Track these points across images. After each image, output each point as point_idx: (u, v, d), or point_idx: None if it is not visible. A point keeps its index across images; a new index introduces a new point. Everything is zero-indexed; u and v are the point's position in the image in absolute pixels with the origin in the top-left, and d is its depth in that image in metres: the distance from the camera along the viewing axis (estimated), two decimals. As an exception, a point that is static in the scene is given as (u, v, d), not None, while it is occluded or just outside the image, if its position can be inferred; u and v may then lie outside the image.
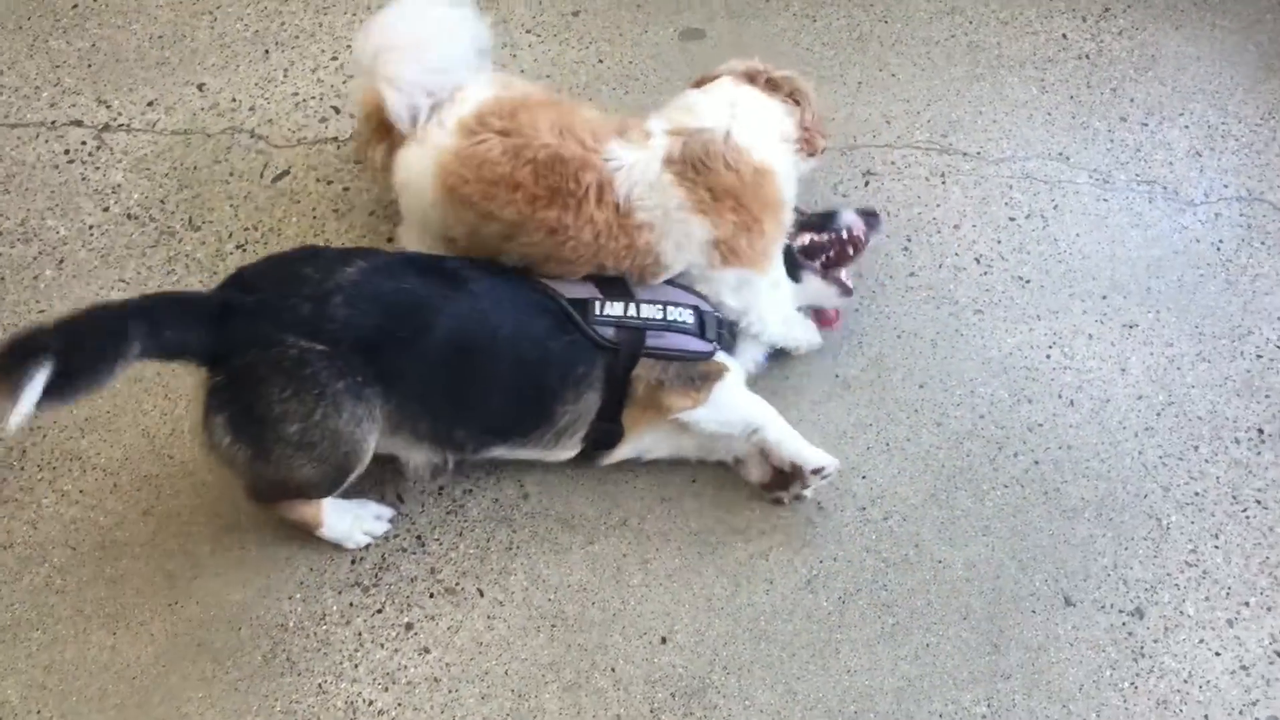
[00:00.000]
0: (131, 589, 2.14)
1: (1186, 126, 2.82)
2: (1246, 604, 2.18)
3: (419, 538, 2.22)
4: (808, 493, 2.22)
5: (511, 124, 2.14)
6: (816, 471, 2.15)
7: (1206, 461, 2.34)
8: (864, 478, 2.31)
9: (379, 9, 2.87)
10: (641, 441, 2.22)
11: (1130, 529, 2.26)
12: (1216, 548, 2.24)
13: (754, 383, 2.33)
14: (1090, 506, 2.28)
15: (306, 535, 2.17)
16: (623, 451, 2.23)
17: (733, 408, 2.17)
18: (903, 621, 2.15)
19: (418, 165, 2.20)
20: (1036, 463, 2.33)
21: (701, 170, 2.10)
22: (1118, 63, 2.93)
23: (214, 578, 2.16)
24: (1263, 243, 2.64)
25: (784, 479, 2.21)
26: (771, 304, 2.28)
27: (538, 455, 2.20)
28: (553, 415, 2.11)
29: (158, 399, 2.34)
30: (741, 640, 2.11)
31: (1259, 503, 2.30)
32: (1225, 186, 2.72)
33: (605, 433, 2.18)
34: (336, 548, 2.18)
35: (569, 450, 2.20)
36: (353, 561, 2.18)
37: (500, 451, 2.18)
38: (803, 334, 2.39)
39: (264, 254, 2.51)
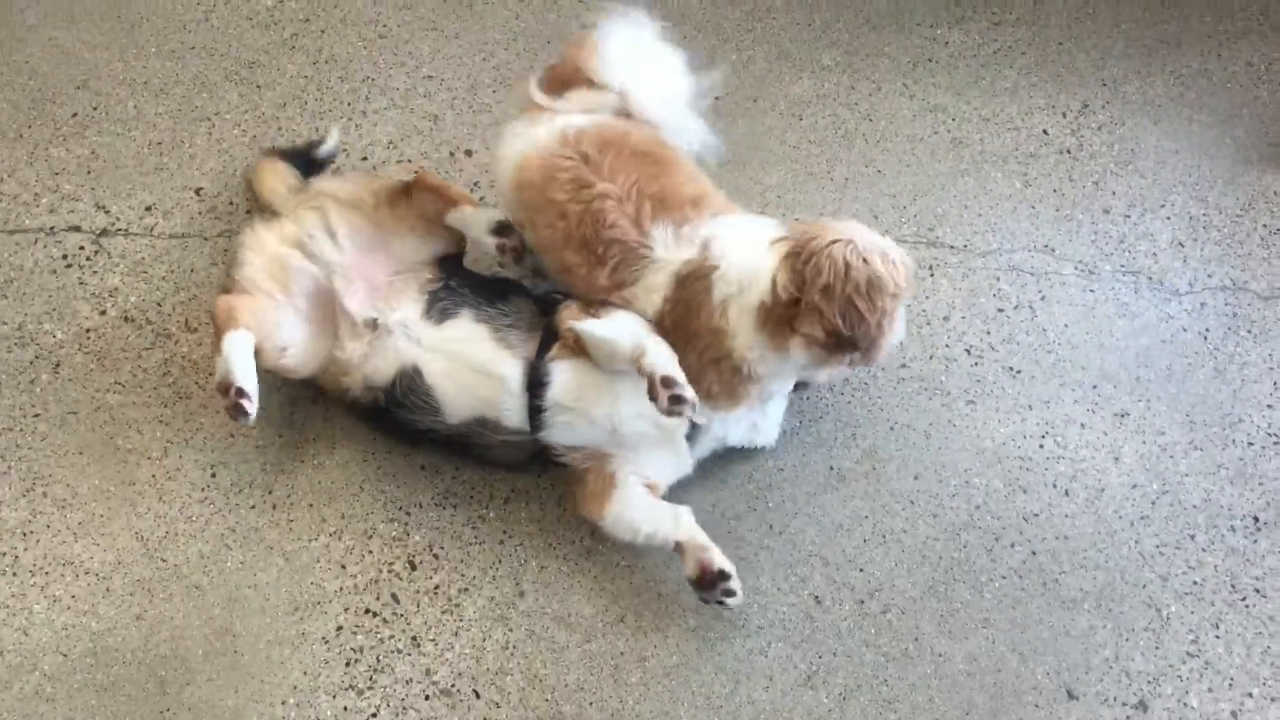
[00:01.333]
0: (123, 696, 2.11)
1: (1169, 218, 2.87)
2: (1250, 694, 2.16)
3: (414, 638, 2.19)
4: (731, 602, 2.17)
5: (598, 157, 2.23)
6: (676, 396, 2.04)
7: (1204, 550, 2.34)
8: (861, 570, 2.30)
9: (374, 114, 2.96)
10: (569, 386, 2.19)
11: (1130, 620, 2.24)
12: (1217, 638, 2.23)
13: (743, 476, 2.34)
14: (1089, 597, 2.27)
15: (300, 638, 2.15)
16: (556, 394, 2.19)
17: (624, 324, 2.15)
18: (905, 717, 2.12)
19: (514, 145, 2.35)
20: (1034, 553, 2.33)
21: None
22: (1098, 157, 2.99)
23: (206, 683, 2.13)
24: (1249, 331, 2.67)
25: (710, 580, 2.16)
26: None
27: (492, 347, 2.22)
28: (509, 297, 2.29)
29: (151, 501, 2.33)
30: (742, 739, 2.08)
31: (1258, 591, 2.29)
32: (1209, 276, 2.77)
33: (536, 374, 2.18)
34: (329, 649, 2.16)
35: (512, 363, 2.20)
36: (347, 664, 2.16)
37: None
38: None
39: (260, 354, 2.52)
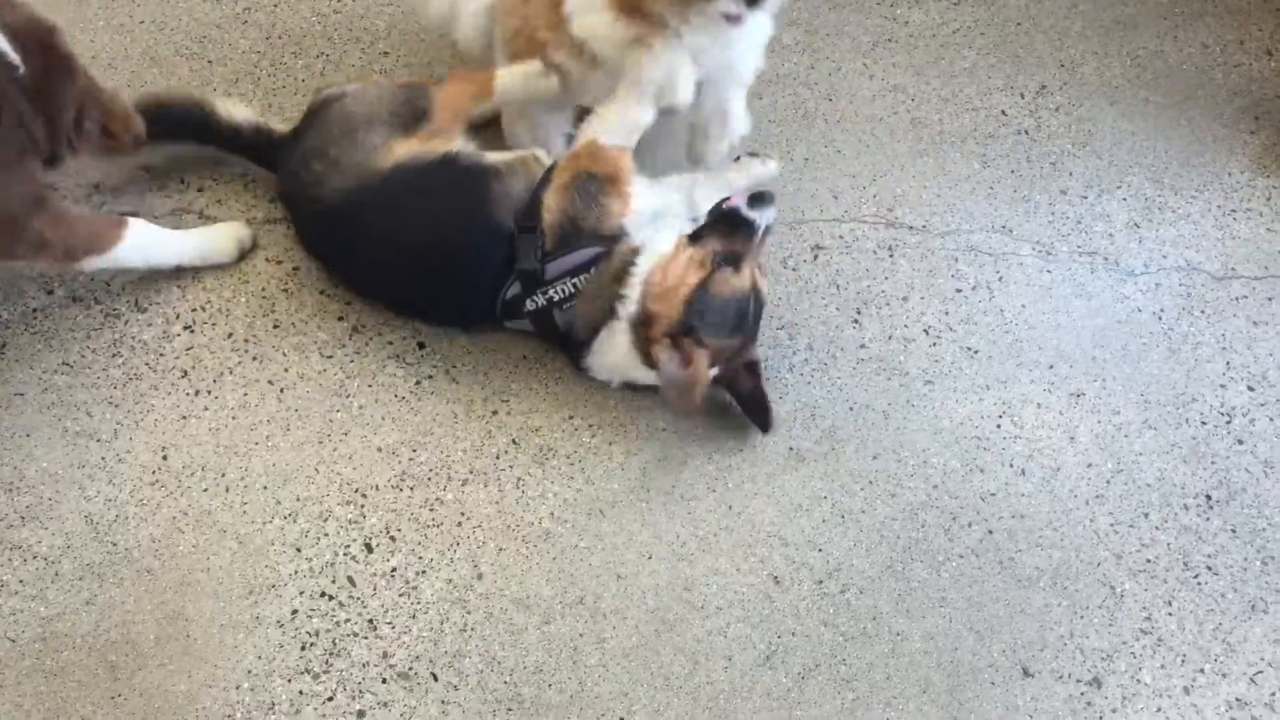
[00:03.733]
0: (73, 682, 2.07)
1: (1125, 199, 2.89)
2: (1201, 670, 2.19)
3: (371, 621, 2.17)
4: None
5: None
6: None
7: (1157, 529, 2.37)
8: (820, 550, 2.30)
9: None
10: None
11: (1085, 597, 2.27)
12: (1170, 615, 2.26)
13: (702, 458, 2.34)
14: (1045, 575, 2.29)
15: (254, 622, 2.12)
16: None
17: None
18: (863, 696, 2.13)
19: None
20: (990, 532, 2.34)
21: None
22: (1056, 138, 3.00)
23: (158, 669, 2.10)
24: (1202, 311, 2.69)
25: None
26: None
27: None
28: None
29: (101, 484, 2.29)
30: (701, 720, 2.08)
31: (1209, 569, 2.32)
32: (1164, 257, 2.79)
33: None
34: (284, 633, 2.13)
35: None
36: (302, 648, 2.14)
37: None
38: None
39: (213, 335, 2.49)
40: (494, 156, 2.45)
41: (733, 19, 2.19)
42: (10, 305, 2.50)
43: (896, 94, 3.06)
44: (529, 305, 2.35)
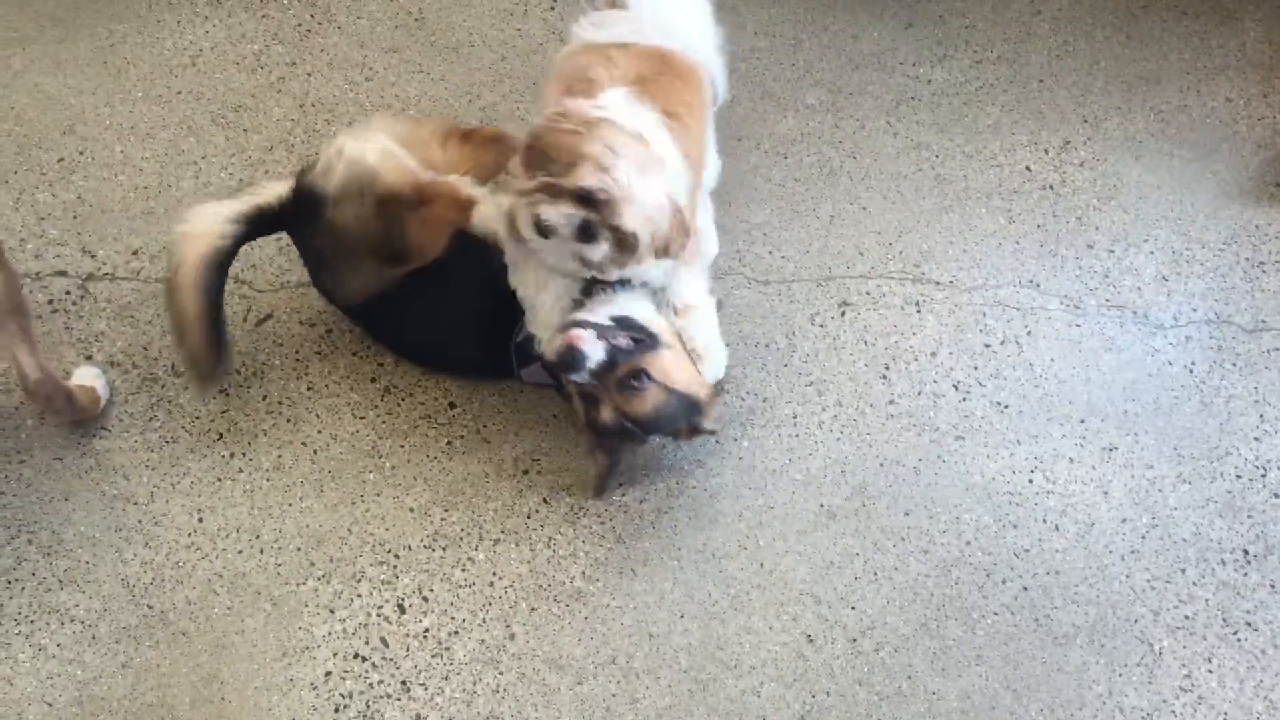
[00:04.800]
0: (108, 745, 2.09)
1: (1152, 252, 2.89)
2: (1245, 729, 2.16)
3: (404, 683, 2.18)
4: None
5: (614, 54, 2.26)
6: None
7: (1194, 584, 2.34)
8: (853, 608, 2.29)
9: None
10: None
11: (1123, 655, 2.24)
12: (1210, 672, 2.23)
13: (733, 516, 2.34)
14: (1082, 633, 2.26)
15: (289, 684, 2.13)
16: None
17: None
18: (899, 757, 2.11)
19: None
20: (1025, 589, 2.32)
21: None
22: (1081, 192, 3.01)
23: (193, 731, 2.11)
24: (1234, 364, 2.68)
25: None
26: None
27: None
28: None
29: (138, 547, 2.32)
30: (736, 782, 2.06)
31: (1249, 625, 2.29)
32: (1194, 310, 2.78)
33: None
34: (318, 695, 2.14)
35: None
36: (336, 710, 2.14)
37: None
38: None
39: (248, 398, 2.52)
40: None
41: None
42: (50, 370, 2.55)
43: (920, 151, 3.09)
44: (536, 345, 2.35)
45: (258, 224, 2.39)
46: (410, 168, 2.38)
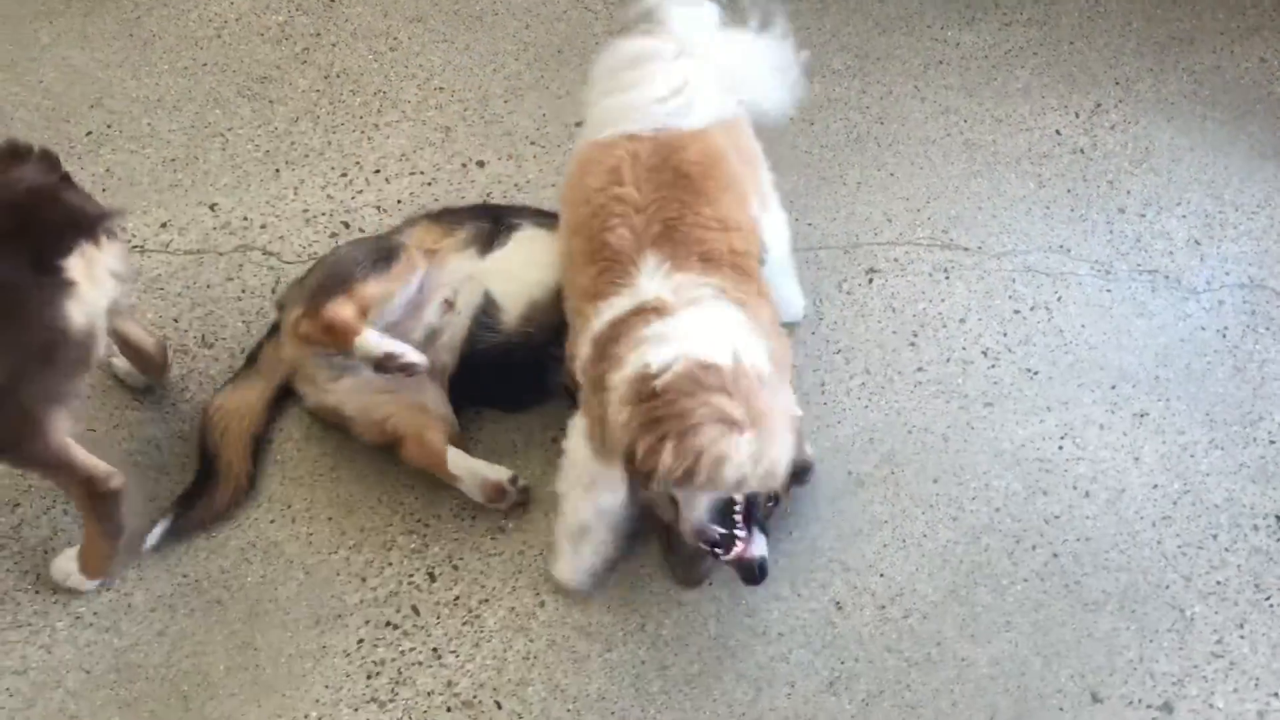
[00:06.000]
0: (146, 712, 2.11)
1: (1184, 216, 2.86)
2: (1276, 694, 2.14)
3: (435, 650, 2.20)
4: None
5: (645, 159, 2.16)
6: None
7: (1226, 550, 2.32)
8: (882, 575, 2.29)
9: (386, 126, 2.97)
10: None
11: (1154, 621, 2.23)
12: (1242, 638, 2.22)
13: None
14: (1112, 599, 2.25)
15: (322, 651, 2.15)
16: None
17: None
18: (928, 723, 2.11)
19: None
20: (1055, 555, 2.31)
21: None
22: (1112, 156, 2.98)
23: (229, 698, 2.13)
24: (1267, 328, 2.65)
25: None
26: None
27: None
28: None
29: (172, 517, 2.34)
30: (765, 747, 2.08)
31: (1282, 590, 2.28)
32: (1227, 274, 2.75)
33: None
34: (351, 662, 2.16)
35: None
36: (368, 677, 2.16)
37: None
38: None
39: (277, 369, 2.53)
40: None
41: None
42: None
43: (949, 116, 3.06)
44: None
45: None
46: None
